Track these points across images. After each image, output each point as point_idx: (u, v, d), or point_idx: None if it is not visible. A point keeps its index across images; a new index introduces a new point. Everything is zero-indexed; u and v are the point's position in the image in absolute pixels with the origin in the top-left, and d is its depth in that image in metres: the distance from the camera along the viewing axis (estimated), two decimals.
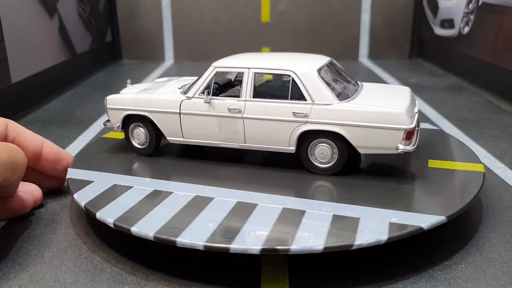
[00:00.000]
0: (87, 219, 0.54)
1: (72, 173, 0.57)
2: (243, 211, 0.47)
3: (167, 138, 0.62)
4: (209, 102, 0.58)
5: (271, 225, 0.45)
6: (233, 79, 0.65)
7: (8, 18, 0.94)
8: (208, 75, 0.59)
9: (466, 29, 1.25)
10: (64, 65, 1.23)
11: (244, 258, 0.45)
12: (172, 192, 0.52)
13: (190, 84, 0.62)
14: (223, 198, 0.50)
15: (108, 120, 0.65)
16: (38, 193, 0.56)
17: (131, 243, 0.48)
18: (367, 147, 0.54)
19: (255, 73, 0.57)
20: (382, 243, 0.42)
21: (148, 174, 0.58)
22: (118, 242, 0.48)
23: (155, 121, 0.61)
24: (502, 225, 0.51)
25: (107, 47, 1.61)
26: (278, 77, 0.61)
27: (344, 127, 0.54)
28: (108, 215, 0.47)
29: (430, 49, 1.54)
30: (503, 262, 0.44)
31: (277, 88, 0.59)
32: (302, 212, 0.47)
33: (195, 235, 0.43)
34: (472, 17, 1.21)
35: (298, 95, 0.55)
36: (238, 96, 0.58)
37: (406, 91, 0.61)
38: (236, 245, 0.41)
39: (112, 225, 0.46)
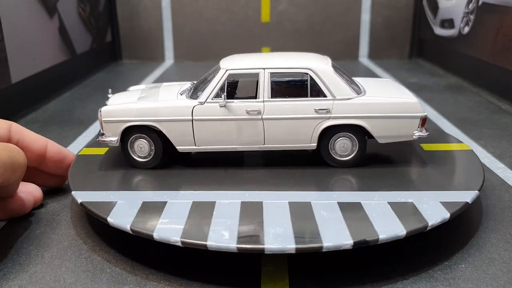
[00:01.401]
0: (87, 219, 0.54)
1: (85, 196, 0.51)
2: (302, 210, 0.47)
3: (177, 147, 0.58)
4: (224, 106, 0.56)
5: (343, 220, 0.45)
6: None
7: (8, 18, 0.94)
8: (220, 78, 0.57)
9: (466, 29, 1.25)
10: (64, 65, 1.23)
11: (244, 258, 0.45)
12: (214, 202, 0.49)
13: (192, 89, 0.60)
14: (271, 200, 0.49)
15: (102, 134, 0.59)
16: (38, 193, 0.56)
17: (131, 243, 0.48)
18: (386, 136, 0.58)
19: (271, 73, 0.57)
20: (447, 220, 0.45)
21: (169, 186, 0.54)
22: (118, 242, 0.48)
23: (163, 130, 0.57)
24: (502, 225, 0.51)
25: (107, 47, 1.61)
26: (293, 75, 0.60)
27: (366, 119, 0.57)
28: (172, 234, 0.43)
29: (430, 49, 1.54)
30: (503, 262, 0.44)
31: (294, 86, 0.60)
32: (359, 204, 0.48)
33: (285, 240, 0.41)
34: (472, 17, 1.21)
35: (317, 92, 0.57)
36: (254, 97, 0.57)
37: (394, 82, 0.66)
38: (329, 243, 0.41)
39: (180, 244, 0.42)
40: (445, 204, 0.47)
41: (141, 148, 0.58)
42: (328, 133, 0.57)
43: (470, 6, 1.23)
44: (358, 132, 0.57)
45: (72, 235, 0.50)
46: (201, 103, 0.56)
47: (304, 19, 1.63)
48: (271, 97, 0.56)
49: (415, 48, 1.64)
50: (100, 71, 1.49)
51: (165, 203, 0.49)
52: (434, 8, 1.47)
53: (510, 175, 0.64)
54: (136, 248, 0.47)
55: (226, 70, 0.57)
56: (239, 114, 0.56)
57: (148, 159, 0.59)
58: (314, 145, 0.58)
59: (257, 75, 0.57)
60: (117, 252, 0.47)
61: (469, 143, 0.77)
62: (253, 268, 0.44)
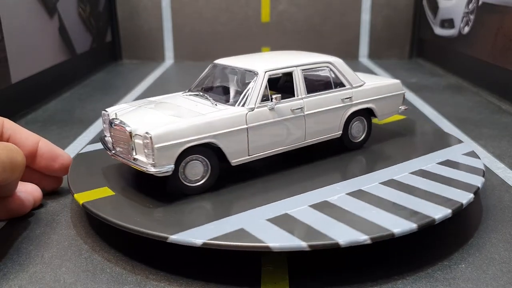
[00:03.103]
0: (87, 219, 0.54)
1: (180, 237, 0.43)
2: (371, 201, 0.49)
3: (232, 161, 0.54)
4: (273, 108, 0.55)
5: (415, 200, 0.49)
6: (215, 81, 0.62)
7: (8, 18, 0.94)
8: (262, 81, 0.55)
9: (466, 29, 1.25)
10: (64, 65, 1.23)
11: (244, 258, 0.45)
12: (304, 207, 0.48)
13: (213, 96, 0.57)
14: (337, 196, 0.51)
15: (152, 165, 0.49)
16: (37, 193, 0.56)
17: (131, 243, 0.48)
18: (384, 114, 0.67)
19: (302, 70, 0.59)
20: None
21: (250, 205, 0.49)
22: (118, 242, 0.48)
23: (221, 145, 0.52)
24: (502, 225, 0.51)
25: (107, 47, 1.61)
26: (315, 70, 0.62)
27: (374, 102, 0.64)
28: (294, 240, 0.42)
29: (430, 49, 1.54)
30: (503, 262, 0.44)
31: (319, 80, 0.62)
32: (410, 186, 0.53)
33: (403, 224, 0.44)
34: (472, 17, 1.21)
35: (338, 83, 0.62)
36: (292, 96, 0.58)
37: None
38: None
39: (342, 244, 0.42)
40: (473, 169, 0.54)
41: (195, 171, 0.52)
42: (348, 119, 0.63)
43: (470, 6, 1.23)
44: (367, 114, 0.65)
45: (72, 235, 0.50)
46: (252, 109, 0.54)
47: (304, 19, 1.63)
48: (307, 93, 0.59)
49: (415, 48, 1.64)
50: (100, 71, 1.49)
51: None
52: (434, 8, 1.47)
53: (510, 175, 0.64)
54: (136, 248, 0.47)
55: (265, 72, 0.56)
56: (285, 114, 0.56)
57: (202, 181, 0.52)
58: (340, 132, 0.62)
59: (291, 73, 0.58)
60: (117, 252, 0.47)
61: (469, 143, 0.77)
62: (253, 268, 0.44)
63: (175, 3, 1.62)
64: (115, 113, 0.54)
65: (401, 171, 0.56)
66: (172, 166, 0.49)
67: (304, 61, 0.60)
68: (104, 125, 0.57)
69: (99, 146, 0.66)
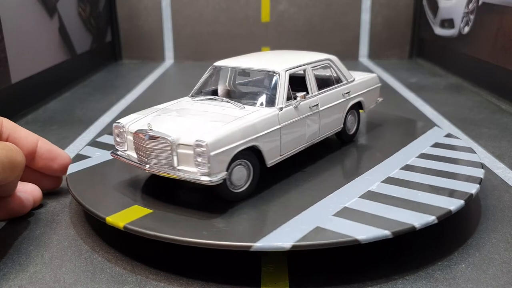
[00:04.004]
0: (87, 219, 0.54)
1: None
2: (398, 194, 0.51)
3: (268, 162, 0.53)
4: (297, 107, 0.56)
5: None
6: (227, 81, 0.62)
7: (8, 18, 0.94)
8: (284, 81, 0.55)
9: (466, 29, 1.25)
10: (64, 65, 1.23)
11: (244, 258, 0.45)
12: (355, 199, 0.49)
13: (234, 99, 0.56)
14: (375, 184, 0.53)
15: (207, 175, 0.46)
16: (37, 193, 0.56)
17: (131, 243, 0.48)
18: (368, 106, 0.71)
19: (312, 68, 0.61)
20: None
21: (305, 204, 0.49)
22: (118, 242, 0.48)
23: (262, 147, 0.51)
24: (502, 225, 0.51)
25: (107, 47, 1.61)
26: (318, 67, 0.63)
27: (363, 95, 0.69)
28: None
29: (430, 49, 1.54)
30: (503, 263, 0.44)
31: (322, 77, 0.64)
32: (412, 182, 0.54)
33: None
34: (472, 17, 1.21)
35: (338, 79, 0.65)
36: (306, 93, 0.58)
37: None
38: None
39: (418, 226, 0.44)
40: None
41: (240, 176, 0.50)
42: (346, 113, 0.66)
43: (470, 6, 1.23)
44: (357, 107, 0.68)
45: (72, 235, 0.50)
46: (281, 109, 0.54)
47: (304, 19, 1.63)
48: (318, 90, 0.60)
49: (415, 48, 1.64)
50: (100, 71, 1.49)
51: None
52: (434, 8, 1.47)
53: (510, 175, 0.64)
54: (136, 248, 0.47)
55: (286, 72, 0.56)
56: (305, 111, 0.57)
57: (245, 187, 0.51)
58: (342, 126, 0.65)
59: (304, 71, 0.59)
60: (117, 252, 0.47)
61: (469, 143, 0.77)
62: (253, 268, 0.44)
63: (175, 3, 1.62)
64: (149, 124, 0.50)
65: (394, 166, 0.58)
66: (226, 173, 0.47)
67: (311, 59, 0.62)
68: (118, 139, 0.53)
69: (90, 153, 0.64)
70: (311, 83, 0.59)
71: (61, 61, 1.22)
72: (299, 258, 0.45)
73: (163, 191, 0.53)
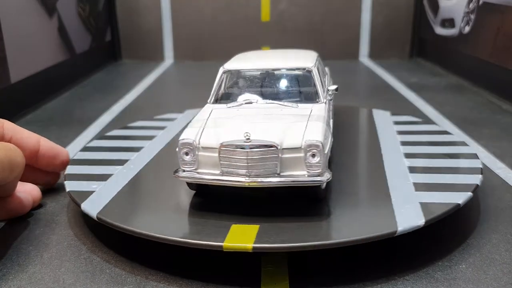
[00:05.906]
0: (86, 219, 0.53)
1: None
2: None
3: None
4: (331, 99, 0.61)
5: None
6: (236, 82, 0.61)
7: (7, 18, 0.93)
8: (317, 76, 0.58)
9: (467, 29, 1.25)
10: (64, 65, 1.23)
11: (244, 258, 0.45)
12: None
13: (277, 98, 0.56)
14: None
15: (316, 176, 0.46)
16: (37, 193, 0.56)
17: (130, 243, 0.48)
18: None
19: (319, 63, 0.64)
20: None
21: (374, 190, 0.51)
22: (118, 243, 0.48)
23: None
24: (503, 225, 0.51)
25: (107, 47, 1.61)
26: None
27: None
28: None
29: (430, 49, 1.54)
30: (503, 263, 0.44)
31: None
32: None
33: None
34: (472, 16, 1.21)
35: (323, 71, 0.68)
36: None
37: None
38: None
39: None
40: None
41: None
42: None
43: (471, 5, 1.22)
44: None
45: (71, 236, 0.50)
46: (325, 103, 0.56)
47: (304, 18, 1.63)
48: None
49: (415, 47, 1.64)
50: (100, 71, 1.49)
51: None
52: (435, 7, 1.47)
53: (510, 175, 0.64)
54: (135, 248, 0.47)
55: (315, 67, 0.59)
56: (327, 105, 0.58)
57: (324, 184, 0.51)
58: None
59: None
60: (117, 253, 0.47)
61: (469, 143, 0.76)
62: (253, 268, 0.44)
63: (175, 2, 1.62)
64: (247, 133, 0.46)
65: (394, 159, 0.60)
66: (330, 171, 0.47)
67: (314, 54, 0.66)
68: (186, 158, 0.48)
69: (89, 156, 0.63)
70: (321, 77, 0.60)
71: (61, 61, 1.22)
72: (299, 258, 0.45)
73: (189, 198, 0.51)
